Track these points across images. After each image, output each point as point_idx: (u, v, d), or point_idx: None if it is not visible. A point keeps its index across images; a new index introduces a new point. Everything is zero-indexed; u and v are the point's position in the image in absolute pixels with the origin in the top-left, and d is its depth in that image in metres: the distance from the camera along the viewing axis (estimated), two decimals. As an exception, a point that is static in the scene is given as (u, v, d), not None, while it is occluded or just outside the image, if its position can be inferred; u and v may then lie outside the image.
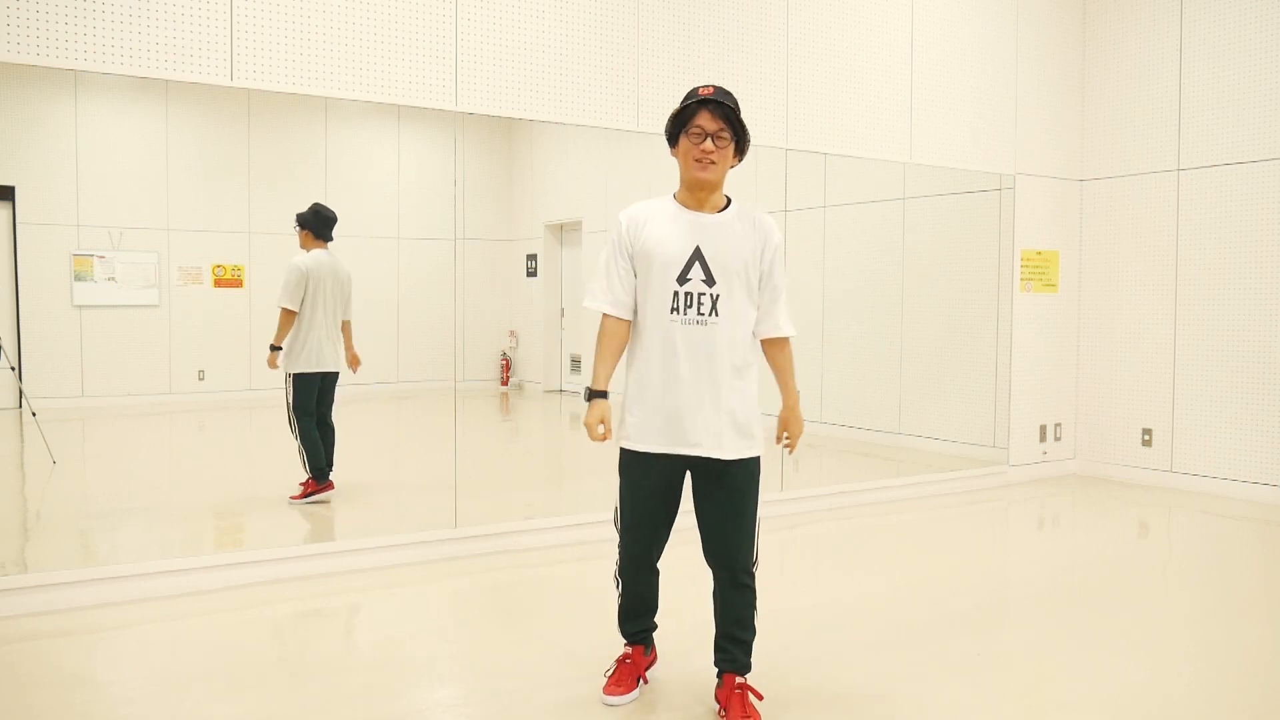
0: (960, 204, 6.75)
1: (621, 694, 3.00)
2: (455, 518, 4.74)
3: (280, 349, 5.36)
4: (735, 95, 2.86)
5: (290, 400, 5.40)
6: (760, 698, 2.91)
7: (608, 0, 5.03)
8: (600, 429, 2.81)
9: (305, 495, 5.32)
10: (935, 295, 7.00)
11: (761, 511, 2.95)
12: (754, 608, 2.91)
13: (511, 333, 7.78)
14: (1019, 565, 4.90)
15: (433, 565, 4.54)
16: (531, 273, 7.77)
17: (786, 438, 2.95)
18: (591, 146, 7.59)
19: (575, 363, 7.74)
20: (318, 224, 5.45)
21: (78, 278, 5.81)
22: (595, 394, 2.82)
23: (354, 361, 5.61)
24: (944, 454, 6.83)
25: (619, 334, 2.85)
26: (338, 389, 5.55)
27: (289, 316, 5.34)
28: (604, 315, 2.85)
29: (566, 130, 5.33)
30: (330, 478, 5.40)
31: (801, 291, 6.85)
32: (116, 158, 6.09)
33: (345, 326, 5.59)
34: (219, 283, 6.14)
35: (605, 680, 3.06)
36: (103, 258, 5.89)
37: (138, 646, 3.54)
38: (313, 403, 5.40)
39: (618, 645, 3.31)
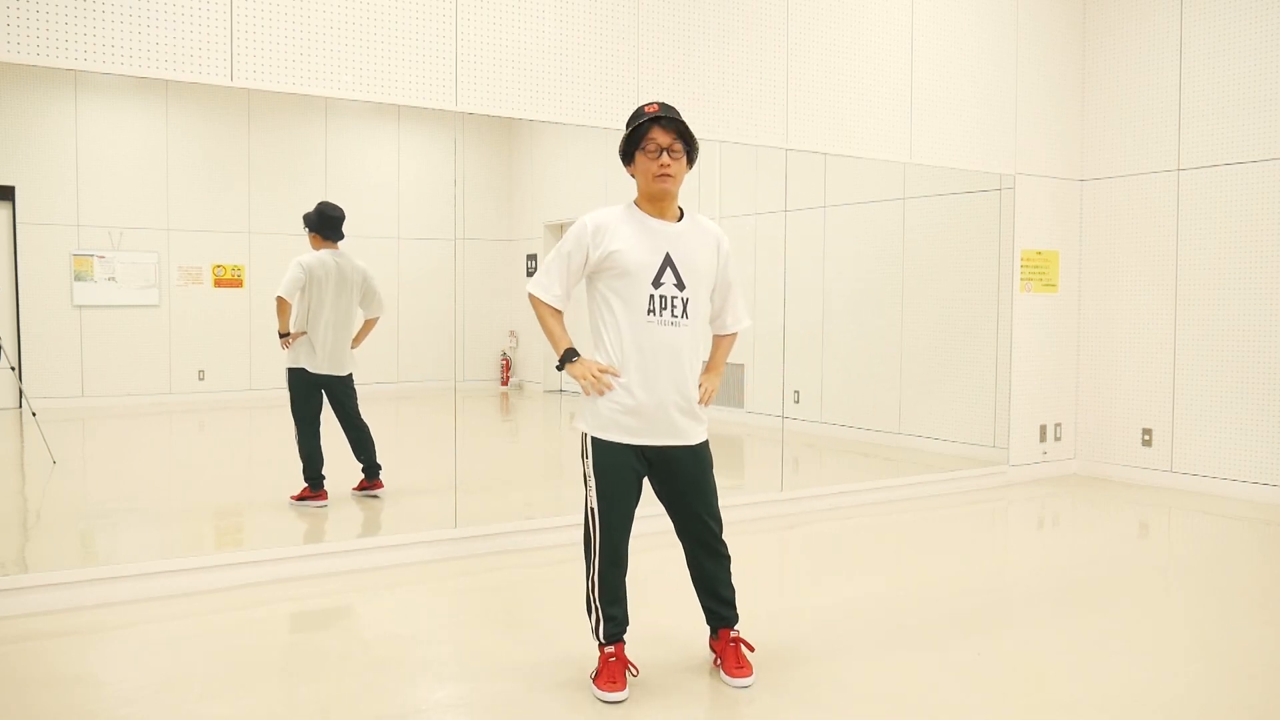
0: (960, 204, 6.75)
1: (621, 690, 3.00)
2: (455, 518, 4.74)
3: (287, 335, 5.30)
4: (680, 109, 3.17)
5: (290, 399, 5.35)
6: (751, 649, 3.19)
7: (608, 0, 5.03)
8: (596, 376, 2.97)
9: (301, 498, 5.28)
10: (935, 295, 7.00)
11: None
12: (730, 570, 3.21)
13: (511, 333, 7.78)
14: (1019, 565, 4.90)
15: (433, 565, 4.54)
16: (531, 273, 7.77)
17: (705, 389, 3.12)
18: (591, 146, 7.59)
19: (575, 363, 7.73)
20: (321, 224, 5.38)
21: (78, 278, 5.80)
22: (571, 353, 3.03)
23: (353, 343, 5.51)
24: (944, 454, 6.83)
25: (557, 311, 3.06)
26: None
27: (281, 305, 5.29)
28: (539, 301, 3.05)
29: (566, 130, 5.32)
30: (325, 487, 5.29)
31: (801, 291, 6.85)
32: (116, 158, 6.09)
33: (369, 323, 5.53)
34: (219, 283, 6.14)
35: (597, 679, 3.05)
36: (103, 258, 5.88)
37: (138, 646, 3.54)
38: (310, 406, 5.33)
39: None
